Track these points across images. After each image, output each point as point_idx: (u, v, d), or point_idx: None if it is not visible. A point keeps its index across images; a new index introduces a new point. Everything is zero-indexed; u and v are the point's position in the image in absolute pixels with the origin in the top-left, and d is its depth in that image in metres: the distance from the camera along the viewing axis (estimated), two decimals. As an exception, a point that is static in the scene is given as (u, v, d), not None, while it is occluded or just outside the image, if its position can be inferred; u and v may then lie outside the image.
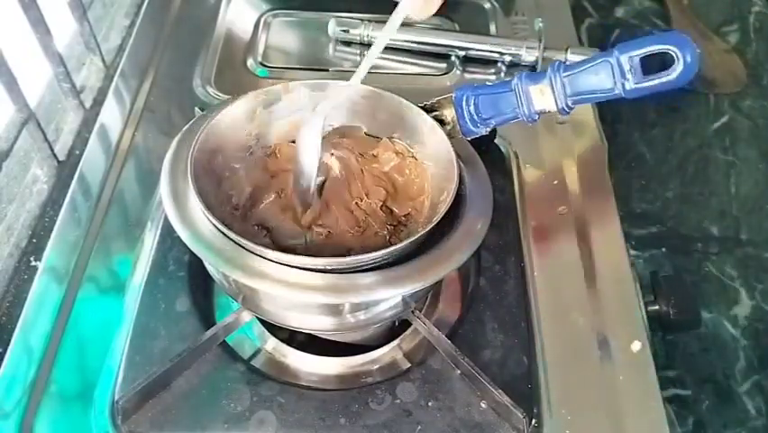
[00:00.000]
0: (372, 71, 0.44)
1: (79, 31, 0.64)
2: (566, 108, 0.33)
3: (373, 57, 0.39)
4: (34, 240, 0.53)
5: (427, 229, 0.36)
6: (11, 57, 0.49)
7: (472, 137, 0.39)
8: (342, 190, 0.43)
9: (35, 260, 0.51)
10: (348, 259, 0.35)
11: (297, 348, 0.46)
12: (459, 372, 0.43)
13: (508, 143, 0.58)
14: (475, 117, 0.38)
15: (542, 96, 0.33)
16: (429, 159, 0.43)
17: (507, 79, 0.35)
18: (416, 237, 0.36)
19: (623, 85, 0.34)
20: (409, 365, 0.45)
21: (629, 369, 0.45)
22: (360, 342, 0.47)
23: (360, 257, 0.35)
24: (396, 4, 0.39)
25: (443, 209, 0.37)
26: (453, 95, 0.39)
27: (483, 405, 0.42)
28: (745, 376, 0.52)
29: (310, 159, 0.40)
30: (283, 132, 0.45)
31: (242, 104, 0.43)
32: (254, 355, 0.46)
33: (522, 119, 0.35)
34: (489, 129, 0.38)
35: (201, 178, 0.39)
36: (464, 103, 0.38)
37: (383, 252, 0.35)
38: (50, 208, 0.55)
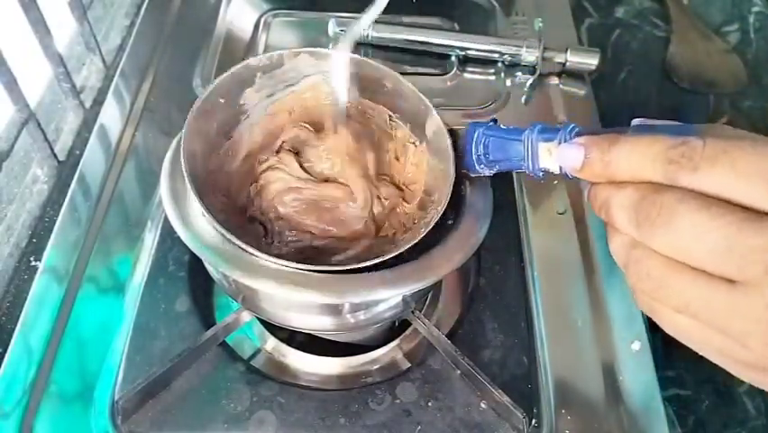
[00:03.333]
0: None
1: (79, 31, 0.64)
2: (568, 175, 0.30)
3: None
4: (34, 240, 0.53)
5: (430, 227, 0.36)
6: (11, 57, 0.49)
7: (476, 175, 0.38)
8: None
9: (35, 260, 0.51)
10: (346, 268, 0.35)
11: (297, 348, 0.46)
12: (459, 372, 0.43)
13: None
14: (482, 157, 0.36)
15: (548, 156, 0.31)
16: (427, 146, 0.43)
17: (522, 128, 0.33)
18: (416, 240, 0.36)
19: None
20: (409, 365, 0.45)
21: (629, 369, 0.45)
22: (360, 342, 0.47)
23: (358, 266, 0.35)
24: None
25: (442, 203, 0.37)
26: (466, 129, 0.37)
27: (483, 405, 0.42)
28: (745, 376, 0.51)
29: (343, 73, 0.41)
30: (290, 98, 0.45)
31: (238, 70, 0.42)
32: (254, 355, 0.46)
33: (527, 172, 0.33)
34: (493, 172, 0.36)
35: (198, 173, 0.39)
36: (475, 139, 0.36)
37: (383, 259, 0.35)
38: (50, 208, 0.55)
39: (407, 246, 0.36)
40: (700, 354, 0.27)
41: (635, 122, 0.29)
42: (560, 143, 0.30)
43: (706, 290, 0.24)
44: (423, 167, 0.43)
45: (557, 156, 0.30)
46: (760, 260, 0.22)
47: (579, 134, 0.29)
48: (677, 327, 0.26)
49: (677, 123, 0.27)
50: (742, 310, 0.23)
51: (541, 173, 0.32)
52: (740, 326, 0.24)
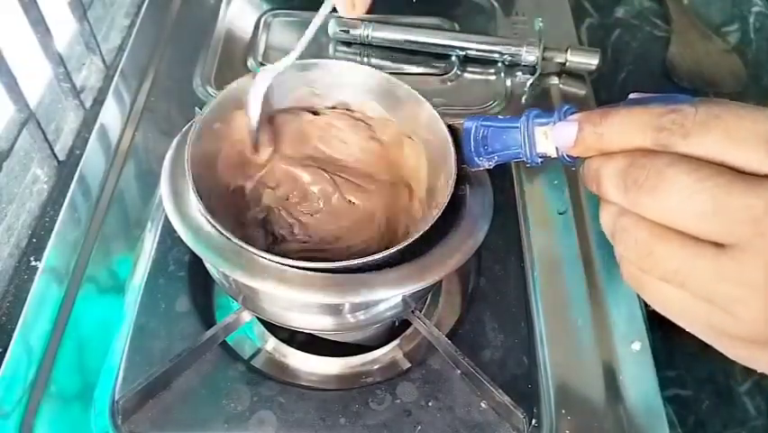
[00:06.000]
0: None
1: (79, 31, 0.64)
2: (566, 158, 0.30)
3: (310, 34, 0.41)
4: (34, 240, 0.53)
5: (433, 219, 0.36)
6: (11, 57, 0.49)
7: (476, 169, 0.38)
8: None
9: (35, 260, 0.51)
10: (350, 262, 0.35)
11: (298, 348, 0.46)
12: (459, 372, 0.43)
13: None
14: (481, 149, 0.36)
15: (545, 140, 0.31)
16: (424, 139, 0.43)
17: (518, 116, 0.33)
18: (420, 233, 0.36)
19: None
20: (409, 365, 0.45)
21: (629, 369, 0.45)
22: (360, 342, 0.47)
23: (362, 260, 0.35)
24: None
25: (446, 194, 0.37)
26: (464, 123, 0.37)
27: (483, 405, 0.42)
28: (745, 376, 0.51)
29: (255, 103, 0.41)
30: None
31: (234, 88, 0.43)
32: (254, 355, 0.46)
33: (525, 159, 0.32)
34: (492, 164, 0.36)
35: (199, 173, 0.39)
36: (473, 132, 0.36)
37: (385, 253, 0.35)
38: (50, 208, 0.55)
39: (407, 243, 0.35)
40: (689, 330, 0.26)
41: (632, 96, 0.28)
42: (554, 125, 0.30)
43: (693, 255, 0.23)
44: (422, 163, 0.43)
45: (552, 137, 0.30)
46: (748, 220, 0.22)
47: (573, 114, 0.29)
48: (664, 299, 0.25)
49: (671, 94, 0.26)
50: (729, 274, 0.23)
51: (540, 159, 0.32)
52: (727, 291, 0.23)
